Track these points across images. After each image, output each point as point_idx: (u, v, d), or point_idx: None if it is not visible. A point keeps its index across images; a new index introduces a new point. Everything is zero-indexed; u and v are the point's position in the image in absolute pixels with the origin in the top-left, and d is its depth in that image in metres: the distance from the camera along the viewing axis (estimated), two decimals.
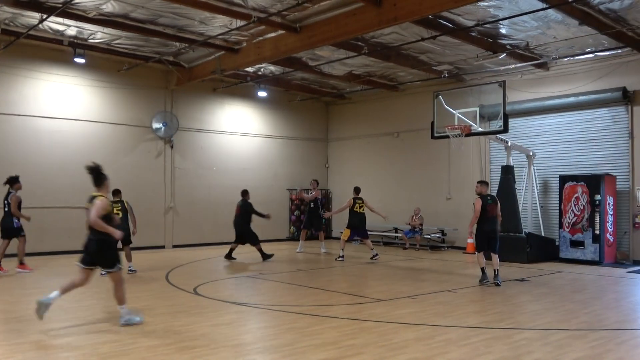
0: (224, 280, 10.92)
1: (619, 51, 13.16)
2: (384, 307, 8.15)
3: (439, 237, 16.93)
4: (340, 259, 13.72)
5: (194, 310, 7.94)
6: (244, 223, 13.87)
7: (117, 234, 6.82)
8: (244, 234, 13.81)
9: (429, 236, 16.86)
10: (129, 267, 11.41)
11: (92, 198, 6.93)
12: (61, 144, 14.92)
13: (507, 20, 11.33)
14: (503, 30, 12.29)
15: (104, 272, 7.52)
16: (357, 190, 14.30)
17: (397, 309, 8.04)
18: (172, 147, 17.00)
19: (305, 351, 5.74)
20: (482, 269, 10.26)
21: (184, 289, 9.63)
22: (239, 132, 18.65)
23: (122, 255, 11.34)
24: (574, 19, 11.08)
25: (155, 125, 16.54)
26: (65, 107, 15.04)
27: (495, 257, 10.23)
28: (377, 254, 13.78)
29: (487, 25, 11.68)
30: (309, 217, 16.17)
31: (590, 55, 13.64)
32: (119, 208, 11.33)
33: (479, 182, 10.66)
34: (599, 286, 10.25)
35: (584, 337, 6.42)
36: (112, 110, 15.90)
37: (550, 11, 10.67)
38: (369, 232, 14.33)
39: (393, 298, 8.89)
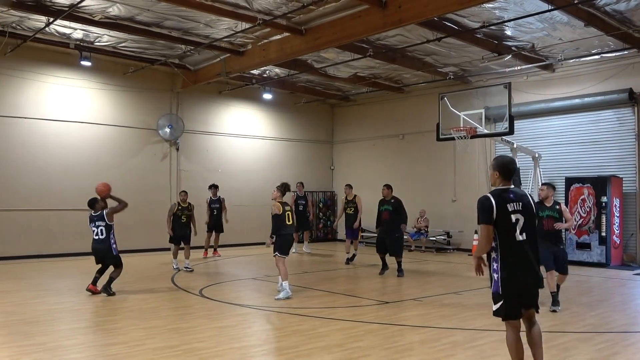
0: (230, 283, 10.93)
1: (625, 52, 13.10)
2: (389, 310, 8.15)
3: (445, 239, 16.89)
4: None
5: (200, 312, 7.96)
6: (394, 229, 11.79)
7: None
8: (391, 242, 11.67)
9: (434, 238, 16.83)
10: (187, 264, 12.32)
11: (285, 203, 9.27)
12: (68, 146, 14.99)
13: (512, 22, 11.31)
14: (508, 32, 12.27)
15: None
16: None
17: (402, 311, 8.03)
18: (177, 149, 17.04)
19: (311, 353, 5.75)
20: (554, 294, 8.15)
21: (190, 291, 9.65)
22: (244, 135, 18.68)
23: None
24: (579, 21, 11.06)
25: (161, 127, 16.58)
26: (71, 110, 15.10)
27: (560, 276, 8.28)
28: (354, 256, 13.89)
29: (492, 27, 11.65)
30: (299, 218, 15.00)
31: (596, 57, 13.59)
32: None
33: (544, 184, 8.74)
34: (605, 288, 10.21)
35: (590, 339, 6.40)
36: (118, 112, 15.95)
37: (556, 13, 10.65)
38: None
39: (398, 300, 8.89)
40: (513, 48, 13.14)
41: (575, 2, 10.06)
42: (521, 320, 4.68)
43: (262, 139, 19.17)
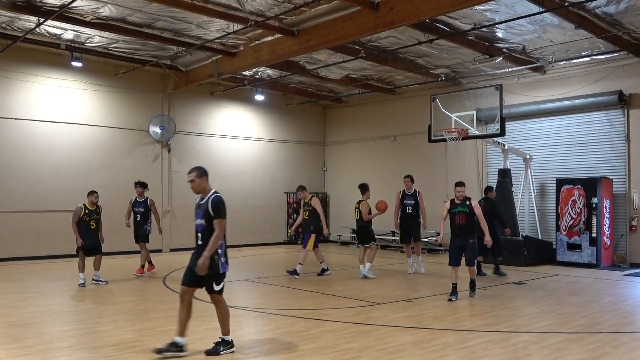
0: None
1: (615, 55, 13.20)
2: (381, 311, 8.15)
3: (436, 241, 16.88)
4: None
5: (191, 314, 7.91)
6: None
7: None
8: (496, 243, 10.79)
9: (426, 239, 16.84)
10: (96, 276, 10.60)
11: (359, 202, 11.69)
12: (58, 147, 14.90)
13: (503, 24, 11.37)
14: (499, 34, 12.33)
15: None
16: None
17: (394, 312, 8.04)
18: (169, 150, 16.98)
19: (303, 355, 5.74)
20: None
21: None
22: (236, 136, 18.65)
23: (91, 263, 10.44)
24: (570, 23, 11.13)
25: (153, 128, 16.52)
26: (62, 111, 15.01)
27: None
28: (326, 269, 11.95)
29: (483, 29, 11.70)
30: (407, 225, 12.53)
31: (587, 59, 13.68)
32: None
33: (458, 183, 9.78)
34: (596, 289, 10.26)
35: (581, 340, 6.43)
36: (109, 113, 15.87)
37: (547, 15, 10.71)
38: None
39: (390, 301, 8.89)
40: (504, 50, 13.20)
41: (566, 4, 10.12)
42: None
43: (254, 140, 19.15)
